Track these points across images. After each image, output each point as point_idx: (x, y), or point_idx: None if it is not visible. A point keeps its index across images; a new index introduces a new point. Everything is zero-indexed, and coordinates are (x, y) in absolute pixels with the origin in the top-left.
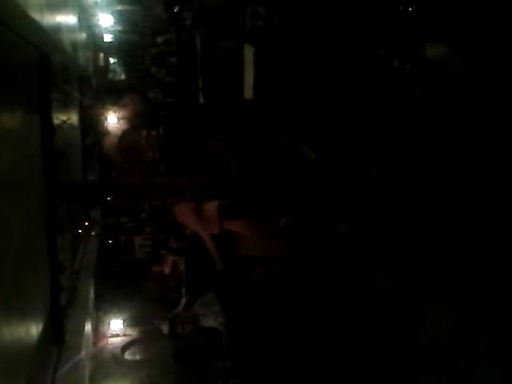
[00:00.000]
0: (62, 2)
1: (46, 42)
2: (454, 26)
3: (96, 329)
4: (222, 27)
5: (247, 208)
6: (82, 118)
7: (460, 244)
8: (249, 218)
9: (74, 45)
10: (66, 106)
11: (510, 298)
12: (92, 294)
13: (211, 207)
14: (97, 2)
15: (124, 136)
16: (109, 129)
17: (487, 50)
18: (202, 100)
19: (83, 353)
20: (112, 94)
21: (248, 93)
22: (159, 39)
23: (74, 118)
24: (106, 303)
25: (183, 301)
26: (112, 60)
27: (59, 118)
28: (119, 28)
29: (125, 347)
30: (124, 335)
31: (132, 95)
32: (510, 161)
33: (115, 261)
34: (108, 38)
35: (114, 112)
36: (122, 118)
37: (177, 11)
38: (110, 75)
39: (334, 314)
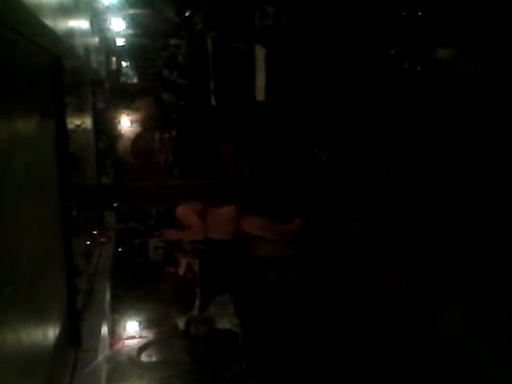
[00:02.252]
0: (74, 7)
1: (58, 47)
2: (462, 30)
3: (112, 331)
4: (232, 28)
5: (261, 208)
6: (95, 122)
7: (471, 244)
8: (264, 218)
9: (87, 49)
10: (79, 110)
11: None
12: (108, 297)
13: (227, 210)
14: (109, 7)
15: (137, 139)
16: (122, 132)
17: (495, 51)
18: (214, 102)
19: (100, 355)
20: (125, 97)
21: (260, 94)
22: (171, 42)
23: (87, 121)
24: (121, 305)
25: (198, 302)
26: (124, 64)
27: (73, 122)
28: (131, 32)
29: (141, 349)
30: (140, 337)
31: (144, 98)
32: None
33: (130, 263)
34: (120, 41)
35: (127, 115)
36: (135, 122)
37: (188, 15)
38: (123, 79)
39: (348, 315)
